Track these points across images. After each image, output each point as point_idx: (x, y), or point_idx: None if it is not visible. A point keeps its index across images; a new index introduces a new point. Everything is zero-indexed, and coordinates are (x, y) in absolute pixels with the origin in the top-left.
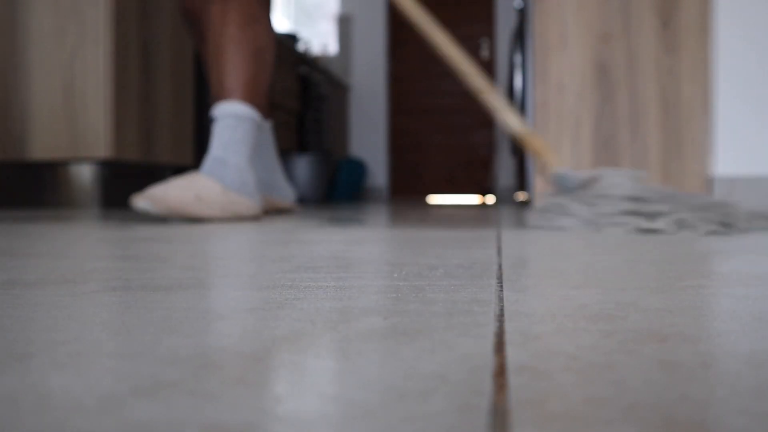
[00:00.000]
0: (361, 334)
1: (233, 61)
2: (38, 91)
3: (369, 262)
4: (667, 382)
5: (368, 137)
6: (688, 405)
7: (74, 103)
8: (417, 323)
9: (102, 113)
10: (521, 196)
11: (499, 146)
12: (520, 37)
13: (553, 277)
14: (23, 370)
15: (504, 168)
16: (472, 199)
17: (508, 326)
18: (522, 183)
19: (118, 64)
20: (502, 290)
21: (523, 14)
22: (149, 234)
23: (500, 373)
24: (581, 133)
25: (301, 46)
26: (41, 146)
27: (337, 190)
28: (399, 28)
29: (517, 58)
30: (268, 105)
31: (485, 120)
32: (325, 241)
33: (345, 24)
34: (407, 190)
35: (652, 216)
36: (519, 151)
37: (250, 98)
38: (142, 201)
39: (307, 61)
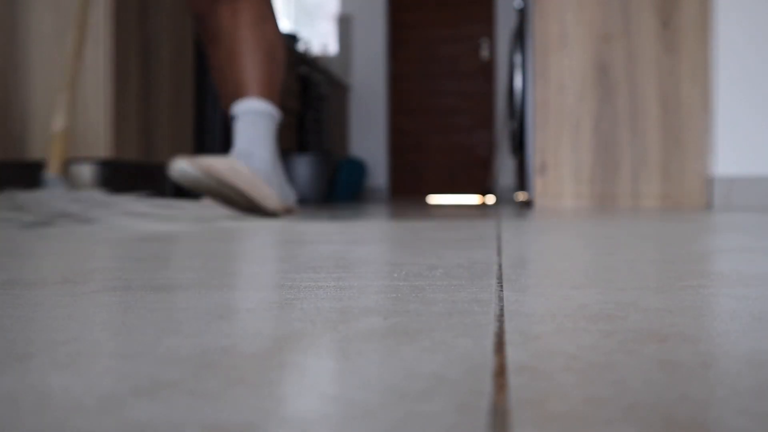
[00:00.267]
0: (361, 334)
1: (249, 61)
2: (38, 91)
3: (369, 262)
4: (667, 382)
5: (368, 137)
6: (688, 405)
7: (74, 103)
8: (417, 323)
9: (102, 113)
10: (521, 196)
11: (499, 146)
12: (520, 37)
13: (553, 277)
14: (23, 370)
15: (504, 168)
16: (472, 199)
17: (508, 326)
18: (522, 183)
19: (118, 64)
20: (502, 290)
21: (523, 14)
22: (149, 234)
23: (500, 373)
24: (581, 133)
25: (301, 46)
26: (41, 146)
27: (337, 190)
28: (399, 28)
29: (517, 58)
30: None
31: (485, 120)
32: (325, 241)
33: (345, 24)
34: (407, 190)
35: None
36: (519, 152)
37: (268, 95)
38: (180, 163)
39: (307, 61)
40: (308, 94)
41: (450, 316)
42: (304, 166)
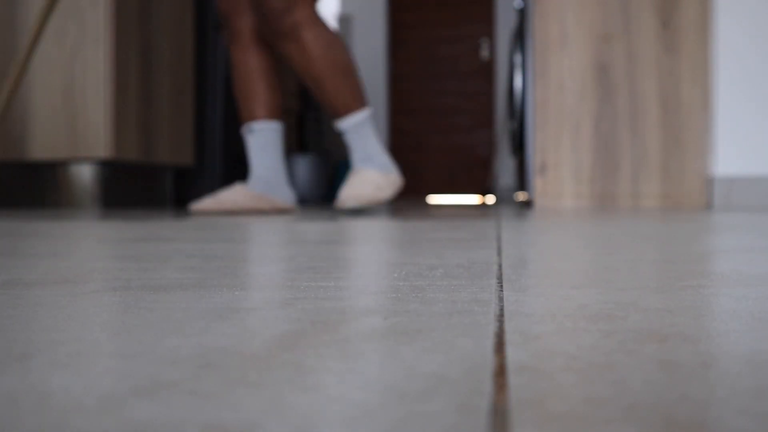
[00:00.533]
0: (361, 334)
1: (331, 87)
2: (38, 91)
3: (369, 262)
4: (667, 382)
5: None
6: (688, 405)
7: (74, 103)
8: (417, 323)
9: (102, 113)
10: (521, 196)
11: (499, 146)
12: (520, 37)
13: (553, 277)
14: (23, 370)
15: (504, 168)
16: (472, 199)
17: (508, 326)
18: (522, 183)
19: (118, 64)
20: (502, 290)
21: (523, 14)
22: (149, 234)
23: (500, 373)
24: (581, 133)
25: None
26: (41, 146)
27: (336, 190)
28: (399, 28)
29: (517, 58)
30: (281, 107)
31: (485, 120)
32: (325, 241)
33: (345, 24)
34: (407, 190)
35: None
36: (519, 152)
37: (359, 105)
38: (198, 206)
39: None
40: (308, 94)
41: (450, 316)
42: (303, 166)
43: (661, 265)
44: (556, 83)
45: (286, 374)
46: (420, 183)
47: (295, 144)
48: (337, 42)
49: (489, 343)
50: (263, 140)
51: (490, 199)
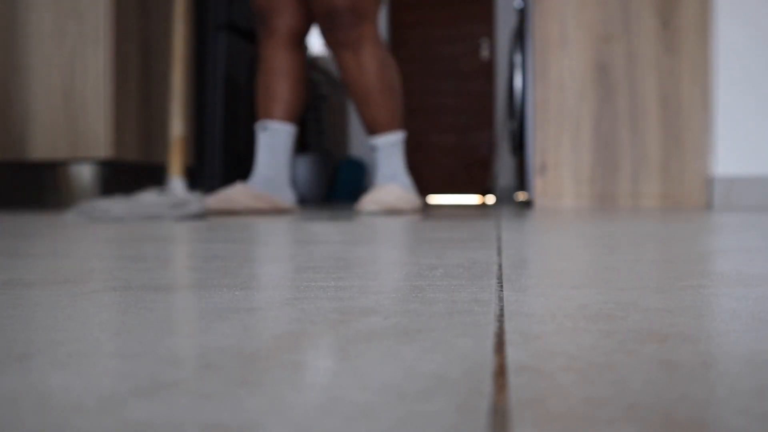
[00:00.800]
0: (361, 334)
1: (376, 103)
2: (38, 91)
3: (369, 262)
4: (667, 382)
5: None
6: (688, 405)
7: (74, 103)
8: (417, 323)
9: (102, 113)
10: (521, 196)
11: (499, 146)
12: (520, 37)
13: (553, 277)
14: (23, 370)
15: (504, 168)
16: (472, 199)
17: (508, 326)
18: (522, 183)
19: (118, 64)
20: (502, 290)
21: (523, 14)
22: (149, 234)
23: (500, 373)
24: (581, 133)
25: None
26: (41, 146)
27: (337, 190)
28: (399, 28)
29: (517, 58)
30: (300, 111)
31: (485, 120)
32: (325, 241)
33: None
34: None
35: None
36: (519, 152)
37: (395, 126)
38: (206, 201)
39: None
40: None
41: (450, 316)
42: (303, 166)
43: (661, 265)
44: (556, 83)
45: (286, 374)
46: (420, 183)
47: (295, 144)
48: (391, 63)
49: (489, 343)
50: (274, 140)
51: (490, 199)
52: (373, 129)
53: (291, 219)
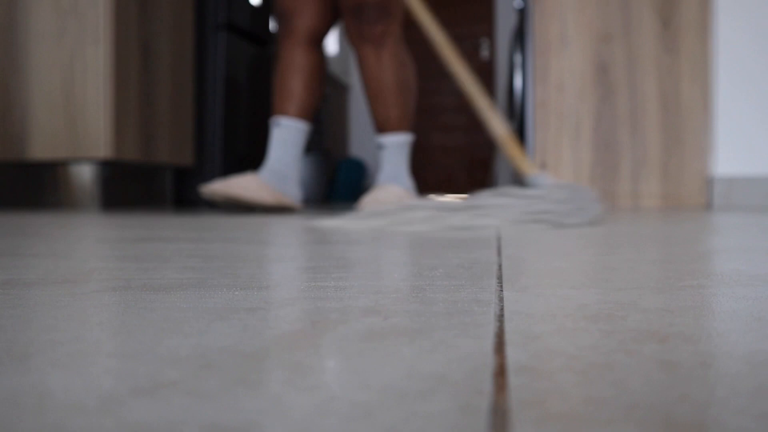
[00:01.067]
0: (361, 334)
1: (391, 101)
2: (38, 91)
3: (369, 262)
4: (667, 382)
5: (368, 137)
6: (688, 405)
7: (74, 103)
8: (417, 323)
9: (102, 113)
10: None
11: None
12: (520, 37)
13: (553, 277)
14: (23, 370)
15: (504, 168)
16: None
17: (508, 326)
18: (522, 183)
19: (118, 64)
20: (502, 290)
21: (523, 14)
22: (149, 234)
23: (500, 373)
24: (581, 133)
25: None
26: (41, 146)
27: (336, 190)
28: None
29: (517, 58)
30: (314, 110)
31: None
32: (325, 241)
33: None
34: None
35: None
36: None
37: (405, 127)
38: (209, 188)
39: None
40: None
41: (450, 316)
42: (303, 166)
43: (661, 265)
44: (556, 83)
45: (286, 374)
46: (420, 183)
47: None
48: (410, 65)
49: (489, 343)
50: (286, 136)
51: None
52: (383, 127)
53: (289, 218)
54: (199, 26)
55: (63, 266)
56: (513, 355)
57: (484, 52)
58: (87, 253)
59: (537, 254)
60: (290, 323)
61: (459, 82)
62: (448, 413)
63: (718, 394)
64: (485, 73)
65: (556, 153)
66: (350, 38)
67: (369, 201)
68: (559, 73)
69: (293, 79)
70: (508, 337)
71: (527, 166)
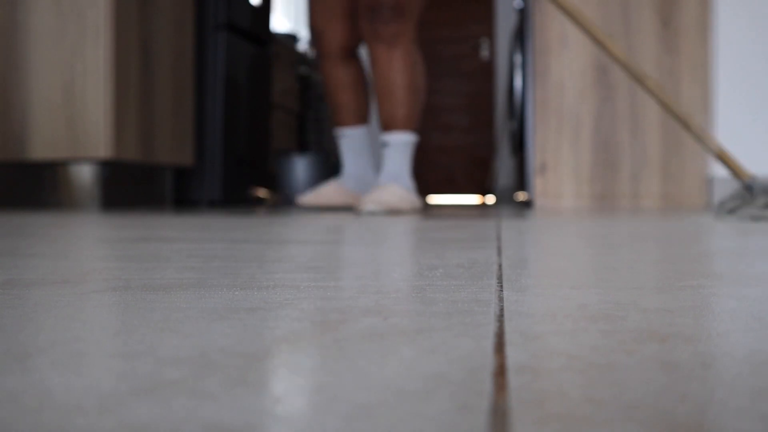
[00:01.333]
0: (361, 334)
1: (399, 100)
2: (38, 91)
3: (369, 262)
4: (667, 382)
5: None
6: (688, 405)
7: (74, 103)
8: (417, 323)
9: (102, 113)
10: (521, 196)
11: (499, 146)
12: (520, 37)
13: (553, 277)
14: (23, 370)
15: (504, 168)
16: (472, 199)
17: (508, 326)
18: (522, 183)
19: (118, 64)
20: (502, 290)
21: (523, 14)
22: (149, 234)
23: (500, 373)
24: (581, 133)
25: (301, 46)
26: (41, 146)
27: None
28: None
29: (517, 58)
30: (368, 111)
31: (485, 120)
32: (325, 241)
33: None
34: None
35: None
36: (519, 152)
37: (412, 126)
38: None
39: (307, 61)
40: (308, 94)
41: (450, 316)
42: (304, 166)
43: (661, 265)
44: (556, 83)
45: (286, 374)
46: (420, 183)
47: (295, 144)
48: (421, 66)
49: (489, 343)
50: (352, 144)
51: (490, 199)
52: (389, 125)
53: (289, 218)
54: (199, 26)
55: (63, 266)
56: (513, 355)
57: (484, 52)
58: (87, 253)
59: (537, 254)
60: (290, 323)
61: (661, 102)
62: (448, 413)
63: (718, 394)
64: (485, 73)
65: (556, 153)
66: (365, 37)
67: (369, 201)
68: (559, 73)
69: (341, 93)
70: (508, 337)
71: (744, 172)
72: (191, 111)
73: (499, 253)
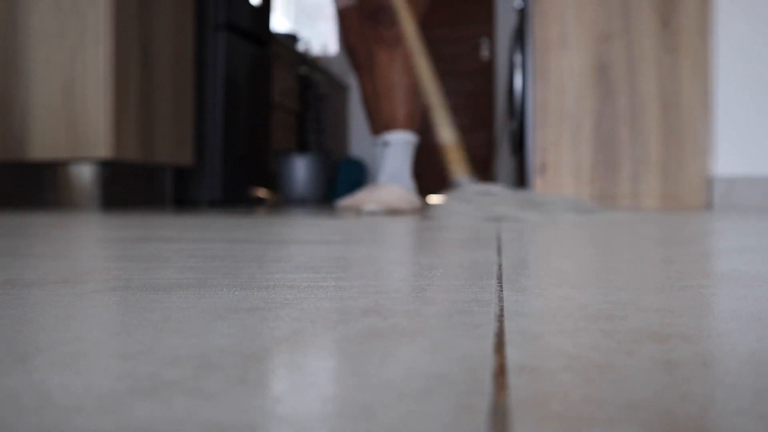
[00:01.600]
0: (361, 334)
1: (400, 100)
2: (38, 91)
3: (369, 262)
4: (667, 382)
5: (368, 137)
6: (688, 405)
7: (74, 103)
8: (417, 323)
9: (102, 113)
10: None
11: (499, 146)
12: (520, 37)
13: (553, 277)
14: (23, 370)
15: (504, 168)
16: None
17: (508, 326)
18: (522, 183)
19: (118, 64)
20: (502, 290)
21: (523, 14)
22: (149, 234)
23: (500, 373)
24: (581, 133)
25: (301, 46)
26: (41, 146)
27: (336, 190)
28: None
29: (517, 58)
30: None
31: (485, 120)
32: (325, 241)
33: None
34: None
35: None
36: (519, 152)
37: (413, 126)
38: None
39: (307, 61)
40: (308, 94)
41: (450, 316)
42: (304, 166)
43: (661, 265)
44: (556, 83)
45: (286, 374)
46: (420, 183)
47: (295, 144)
48: None
49: (489, 343)
50: (396, 148)
51: None
52: (390, 124)
53: (289, 218)
54: (199, 26)
55: (63, 266)
56: (513, 355)
57: (484, 52)
58: (87, 253)
59: (537, 254)
60: (290, 323)
61: (422, 78)
62: (448, 413)
63: (719, 394)
64: (485, 73)
65: (556, 153)
66: (367, 40)
67: (369, 200)
68: (559, 73)
69: (375, 102)
70: (508, 337)
71: (460, 172)
72: (191, 111)
73: (499, 253)
